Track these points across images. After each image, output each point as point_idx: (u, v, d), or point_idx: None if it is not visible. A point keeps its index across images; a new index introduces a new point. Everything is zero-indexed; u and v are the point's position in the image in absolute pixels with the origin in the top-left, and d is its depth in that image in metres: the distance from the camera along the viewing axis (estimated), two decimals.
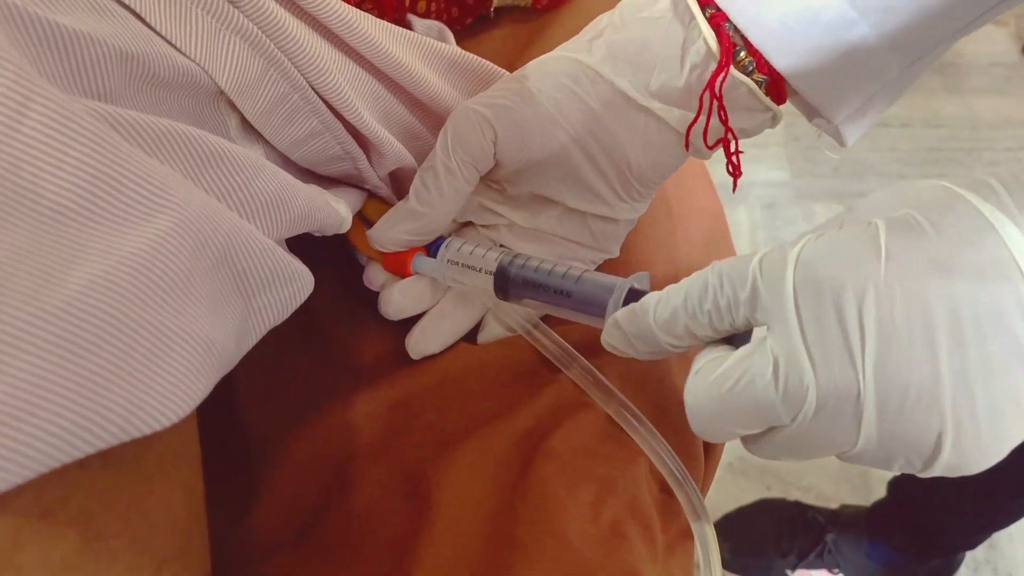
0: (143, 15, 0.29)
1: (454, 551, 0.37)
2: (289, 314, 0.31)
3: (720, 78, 0.39)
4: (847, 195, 1.51)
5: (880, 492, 1.13)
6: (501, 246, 0.44)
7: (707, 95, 0.40)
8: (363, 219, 0.45)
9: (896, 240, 0.27)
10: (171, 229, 0.24)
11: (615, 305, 0.37)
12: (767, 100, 0.40)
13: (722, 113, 0.40)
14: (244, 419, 0.43)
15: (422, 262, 0.42)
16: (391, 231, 0.41)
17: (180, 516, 0.27)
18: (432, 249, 0.43)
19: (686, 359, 0.43)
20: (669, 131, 0.41)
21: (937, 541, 1.09)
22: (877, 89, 0.41)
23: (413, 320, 0.44)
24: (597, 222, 0.44)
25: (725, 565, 1.15)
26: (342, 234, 0.41)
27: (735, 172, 0.43)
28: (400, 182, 0.46)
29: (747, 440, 0.33)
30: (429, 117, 0.44)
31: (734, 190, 0.44)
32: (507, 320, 0.44)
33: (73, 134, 0.23)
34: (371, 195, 0.45)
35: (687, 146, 0.42)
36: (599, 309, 0.38)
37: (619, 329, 0.36)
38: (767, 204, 1.49)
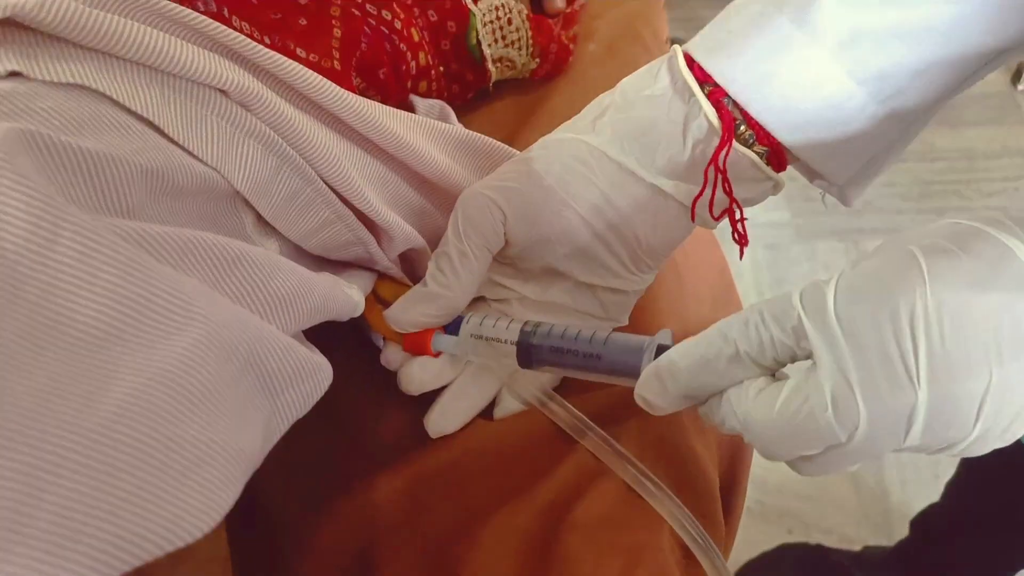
0: (161, 127, 0.31)
1: None
2: (311, 407, 0.32)
3: (723, 153, 0.40)
4: (848, 232, 1.51)
5: (902, 530, 1.12)
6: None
7: (711, 169, 0.41)
8: (378, 299, 0.45)
9: (935, 262, 0.29)
10: (199, 341, 0.25)
11: (648, 362, 0.37)
12: (769, 170, 0.41)
13: (726, 185, 0.41)
14: (267, 508, 0.43)
15: (442, 340, 0.43)
16: (408, 313, 0.42)
17: None
18: (450, 328, 0.43)
19: (700, 423, 0.43)
20: (677, 206, 0.42)
21: None
22: (878, 150, 0.42)
23: (429, 398, 0.44)
24: (607, 294, 0.45)
25: None
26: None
27: (742, 240, 0.44)
28: (410, 262, 0.47)
29: (802, 460, 0.33)
30: (437, 195, 0.46)
31: (741, 257, 0.44)
32: (522, 393, 0.44)
33: (102, 257, 0.24)
34: (383, 276, 0.45)
35: (693, 218, 0.42)
36: (631, 368, 0.38)
37: (657, 378, 0.36)
38: (769, 245, 1.50)
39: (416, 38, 0.52)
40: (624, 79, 0.44)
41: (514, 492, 0.42)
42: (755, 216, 0.45)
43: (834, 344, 0.29)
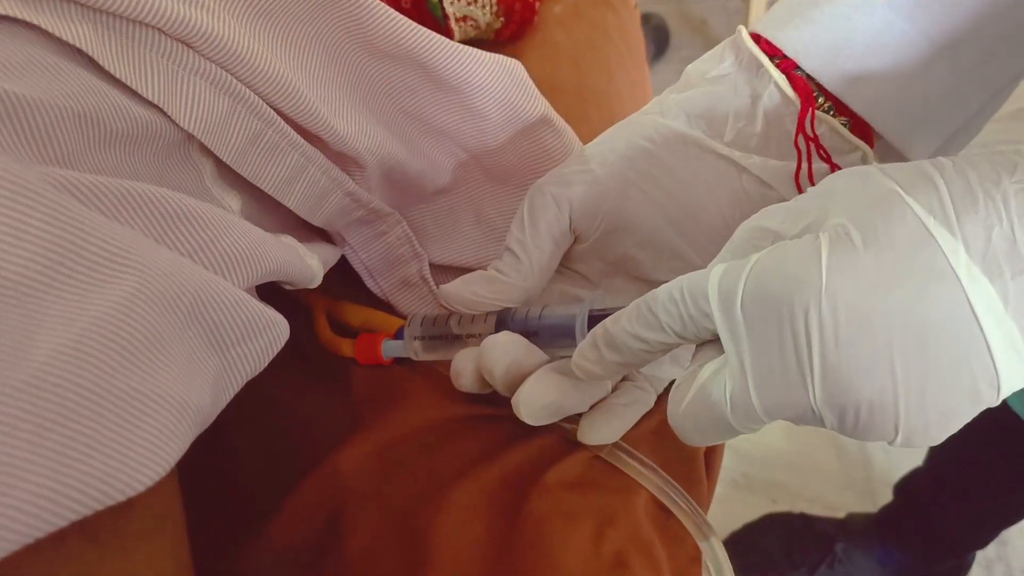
0: (97, 59, 0.29)
1: None
2: (266, 364, 0.31)
3: (808, 119, 0.38)
4: None
5: (886, 497, 1.12)
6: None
7: (801, 139, 0.39)
8: (340, 323, 0.46)
9: (837, 256, 0.27)
10: (136, 290, 0.24)
11: (581, 329, 0.38)
12: (854, 139, 0.39)
13: (822, 152, 0.39)
14: (240, 473, 0.42)
15: (391, 346, 0.43)
16: (461, 289, 0.42)
17: None
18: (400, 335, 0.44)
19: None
20: (751, 179, 0.40)
21: (948, 541, 1.08)
22: (960, 123, 0.40)
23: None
24: None
25: None
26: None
27: None
28: (400, 189, 0.45)
29: None
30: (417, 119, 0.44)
31: None
32: None
33: (30, 204, 0.23)
34: (350, 303, 0.45)
35: (800, 190, 0.40)
36: (568, 338, 0.38)
37: (594, 348, 0.35)
38: None
39: None
40: (687, 67, 0.43)
41: (483, 457, 0.41)
42: None
43: (738, 340, 0.28)
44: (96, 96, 0.28)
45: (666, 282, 0.38)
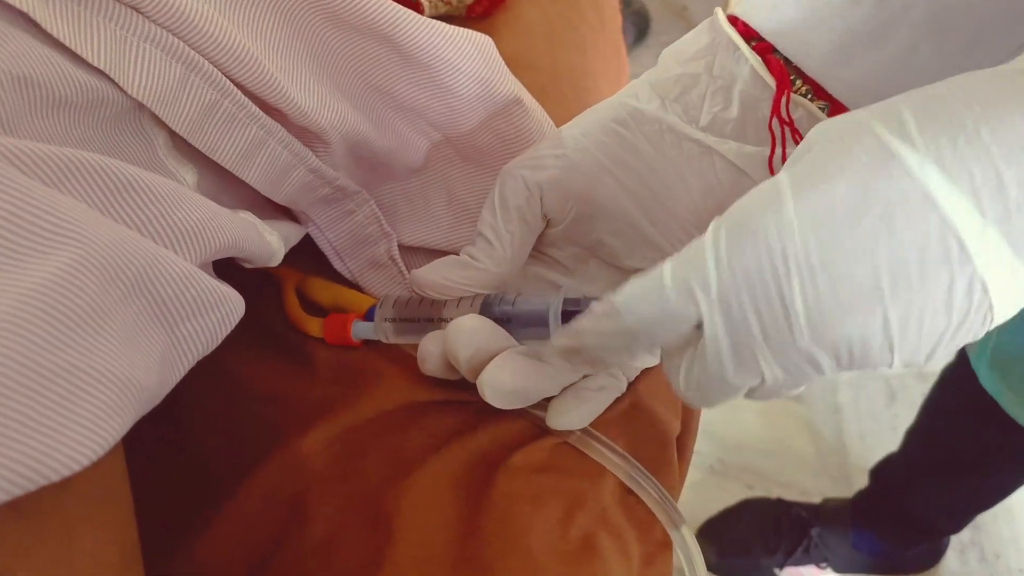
0: (40, 22, 0.28)
1: None
2: (218, 342, 0.30)
3: (783, 102, 0.37)
4: None
5: (861, 482, 1.13)
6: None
7: (775, 122, 0.38)
8: (310, 299, 0.45)
9: (803, 195, 0.26)
10: (75, 260, 0.23)
11: (555, 317, 0.37)
12: None
13: (797, 136, 0.38)
14: (200, 453, 0.41)
15: (361, 327, 0.42)
16: (432, 274, 0.41)
17: (110, 565, 0.25)
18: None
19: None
20: (726, 167, 0.39)
21: (923, 525, 1.09)
22: None
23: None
24: None
25: (712, 569, 1.14)
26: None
27: None
28: (368, 166, 0.44)
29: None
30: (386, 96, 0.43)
31: None
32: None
33: None
34: (316, 278, 0.44)
35: (772, 173, 0.39)
36: (542, 328, 0.38)
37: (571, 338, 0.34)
38: None
39: None
40: (664, 49, 0.42)
41: (449, 440, 0.40)
42: None
43: (718, 302, 0.28)
44: (39, 61, 0.27)
45: (640, 270, 0.38)
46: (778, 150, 0.38)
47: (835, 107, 0.38)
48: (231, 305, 0.30)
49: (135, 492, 0.30)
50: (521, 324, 0.38)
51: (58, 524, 0.23)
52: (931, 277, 0.25)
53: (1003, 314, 0.26)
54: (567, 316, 0.37)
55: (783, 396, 0.31)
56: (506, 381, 0.36)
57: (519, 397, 0.37)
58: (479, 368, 0.37)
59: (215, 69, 0.32)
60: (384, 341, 0.42)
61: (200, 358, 0.29)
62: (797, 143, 0.38)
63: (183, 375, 0.28)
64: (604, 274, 0.43)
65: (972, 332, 0.26)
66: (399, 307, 0.41)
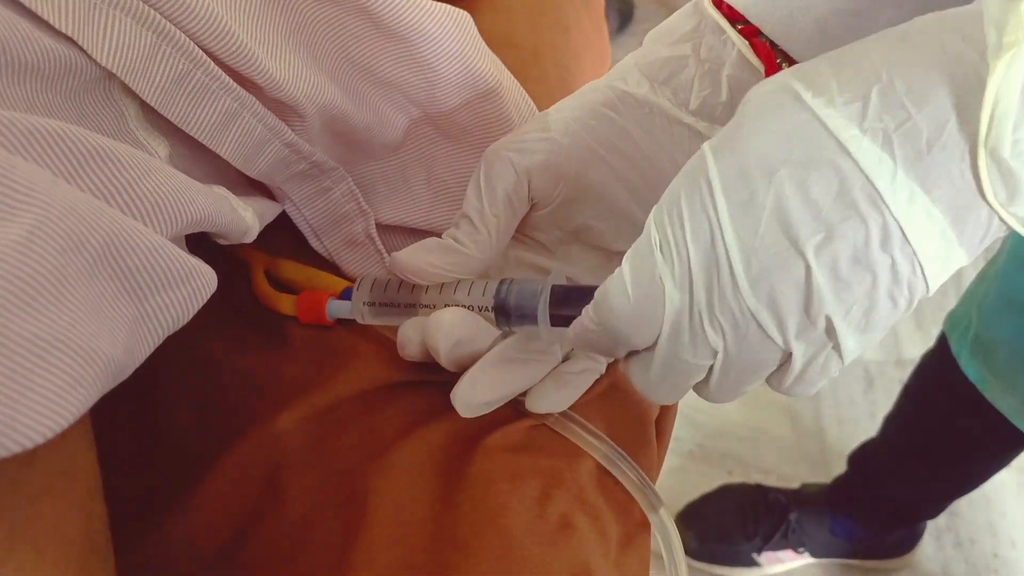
0: None
1: (393, 555, 0.35)
2: (190, 316, 0.29)
3: None
4: None
5: (839, 468, 1.14)
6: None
7: None
8: (280, 280, 0.44)
9: (719, 146, 0.28)
10: (35, 227, 0.22)
11: (544, 306, 0.37)
12: None
13: None
14: (172, 431, 0.40)
15: (336, 306, 0.42)
16: (414, 258, 0.39)
17: (74, 541, 0.25)
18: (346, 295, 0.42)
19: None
20: None
21: (900, 511, 1.10)
22: None
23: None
24: None
25: (692, 554, 1.14)
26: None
27: None
28: (345, 143, 0.43)
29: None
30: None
31: None
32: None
33: None
34: (288, 260, 0.44)
35: None
36: (532, 318, 0.37)
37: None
38: None
39: None
40: (649, 32, 0.41)
41: (426, 419, 0.40)
42: None
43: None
44: (3, 25, 0.26)
45: (625, 251, 0.38)
46: None
47: None
48: (203, 279, 0.29)
49: (108, 470, 0.30)
50: (510, 315, 0.38)
51: (18, 499, 0.23)
52: (848, 224, 0.26)
53: (931, 261, 0.26)
54: (558, 303, 0.36)
55: (741, 393, 0.31)
56: (479, 395, 0.38)
57: (493, 406, 0.39)
58: (460, 360, 0.38)
59: (187, 38, 0.32)
60: (360, 321, 0.42)
61: (171, 332, 0.28)
62: None
63: (153, 349, 0.28)
64: (587, 256, 0.43)
65: (903, 282, 0.27)
66: (377, 290, 0.41)
